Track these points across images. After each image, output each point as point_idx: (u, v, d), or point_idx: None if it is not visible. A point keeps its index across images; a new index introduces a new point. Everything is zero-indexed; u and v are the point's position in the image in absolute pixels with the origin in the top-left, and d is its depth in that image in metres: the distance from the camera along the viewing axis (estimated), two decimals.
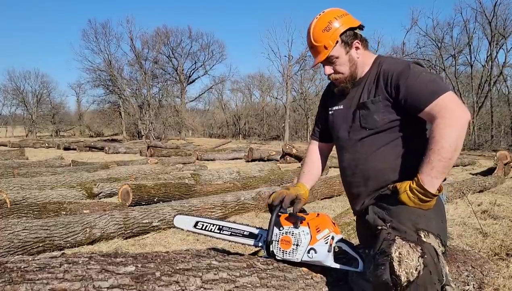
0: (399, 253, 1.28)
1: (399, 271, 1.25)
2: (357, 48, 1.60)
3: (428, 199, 1.43)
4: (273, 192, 1.76)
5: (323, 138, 1.91)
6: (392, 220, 1.47)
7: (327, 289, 1.58)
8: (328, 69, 1.63)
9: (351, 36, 1.58)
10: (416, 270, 1.25)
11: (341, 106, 1.71)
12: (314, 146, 1.94)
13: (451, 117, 1.38)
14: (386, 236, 1.39)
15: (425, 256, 1.28)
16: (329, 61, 1.60)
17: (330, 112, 1.78)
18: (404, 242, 1.31)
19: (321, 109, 1.89)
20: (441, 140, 1.37)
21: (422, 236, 1.38)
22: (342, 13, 1.59)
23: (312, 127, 2.02)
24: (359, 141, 1.63)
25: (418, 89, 1.45)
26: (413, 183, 1.44)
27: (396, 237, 1.34)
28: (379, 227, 1.47)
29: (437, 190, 1.43)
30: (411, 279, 1.24)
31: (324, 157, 1.94)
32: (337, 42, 1.56)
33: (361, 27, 1.62)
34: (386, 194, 1.55)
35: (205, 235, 1.88)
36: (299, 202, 1.68)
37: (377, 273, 1.31)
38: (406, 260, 1.26)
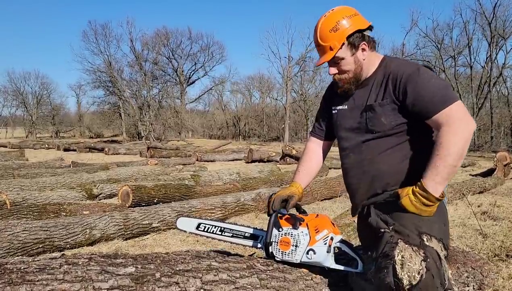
0: (402, 256, 1.29)
1: (401, 274, 1.26)
2: (363, 50, 1.56)
3: (431, 204, 1.41)
4: (272, 194, 1.76)
5: (323, 136, 1.88)
6: (394, 222, 1.46)
7: (327, 290, 1.58)
8: (333, 70, 1.60)
9: (359, 38, 1.53)
10: (418, 273, 1.26)
11: (346, 106, 1.67)
12: (312, 143, 1.90)
13: (458, 126, 1.38)
14: (389, 239, 1.38)
15: (428, 259, 1.28)
16: (334, 61, 1.57)
17: (334, 111, 1.74)
18: (407, 245, 1.31)
19: (324, 105, 1.84)
20: (448, 147, 1.37)
21: (425, 239, 1.38)
22: (352, 13, 1.54)
23: (312, 124, 2.00)
24: (364, 143, 1.60)
25: (426, 97, 1.43)
26: (416, 187, 1.42)
27: (399, 240, 1.34)
28: (382, 230, 1.46)
29: (440, 196, 1.41)
30: (414, 283, 1.25)
31: (323, 154, 1.90)
32: (343, 44, 1.52)
33: (370, 28, 1.57)
34: (387, 200, 1.52)
35: (207, 237, 1.88)
36: (291, 199, 1.68)
37: (380, 276, 1.31)
38: (408, 263, 1.27)
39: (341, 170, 1.79)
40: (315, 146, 1.90)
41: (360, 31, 1.53)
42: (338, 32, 1.51)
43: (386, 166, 1.56)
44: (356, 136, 1.63)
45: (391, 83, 1.51)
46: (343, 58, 1.55)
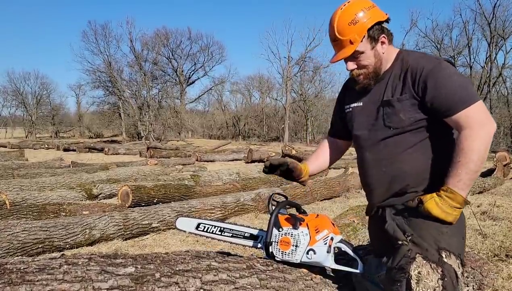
0: (419, 272, 1.28)
1: (416, 289, 1.26)
2: (383, 43, 1.48)
3: (458, 206, 1.35)
4: (272, 193, 1.75)
5: (336, 136, 1.83)
6: (412, 233, 1.40)
7: (327, 290, 1.58)
8: (351, 65, 1.51)
9: (378, 31, 1.46)
10: None
11: (360, 103, 1.60)
12: (325, 141, 1.86)
13: (480, 129, 1.32)
14: (407, 252, 1.35)
15: (445, 278, 1.27)
16: (353, 56, 1.48)
17: (348, 109, 1.66)
18: (425, 261, 1.30)
19: (338, 108, 1.78)
20: (470, 153, 1.31)
21: (444, 256, 1.34)
22: (370, 5, 1.46)
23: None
24: (382, 141, 1.51)
25: (446, 95, 1.36)
26: (440, 191, 1.37)
27: (417, 254, 1.32)
28: (400, 242, 1.40)
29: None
30: None
31: (338, 152, 1.84)
32: (363, 37, 1.43)
33: (387, 20, 1.50)
34: (406, 205, 1.46)
35: (206, 237, 1.88)
36: (290, 163, 1.64)
37: (393, 288, 1.31)
38: (425, 280, 1.27)
39: (357, 169, 1.71)
40: (330, 141, 1.85)
41: (379, 23, 1.46)
42: (358, 24, 1.42)
43: (408, 166, 1.47)
44: (373, 134, 1.54)
45: (410, 78, 1.44)
46: (363, 52, 1.47)
